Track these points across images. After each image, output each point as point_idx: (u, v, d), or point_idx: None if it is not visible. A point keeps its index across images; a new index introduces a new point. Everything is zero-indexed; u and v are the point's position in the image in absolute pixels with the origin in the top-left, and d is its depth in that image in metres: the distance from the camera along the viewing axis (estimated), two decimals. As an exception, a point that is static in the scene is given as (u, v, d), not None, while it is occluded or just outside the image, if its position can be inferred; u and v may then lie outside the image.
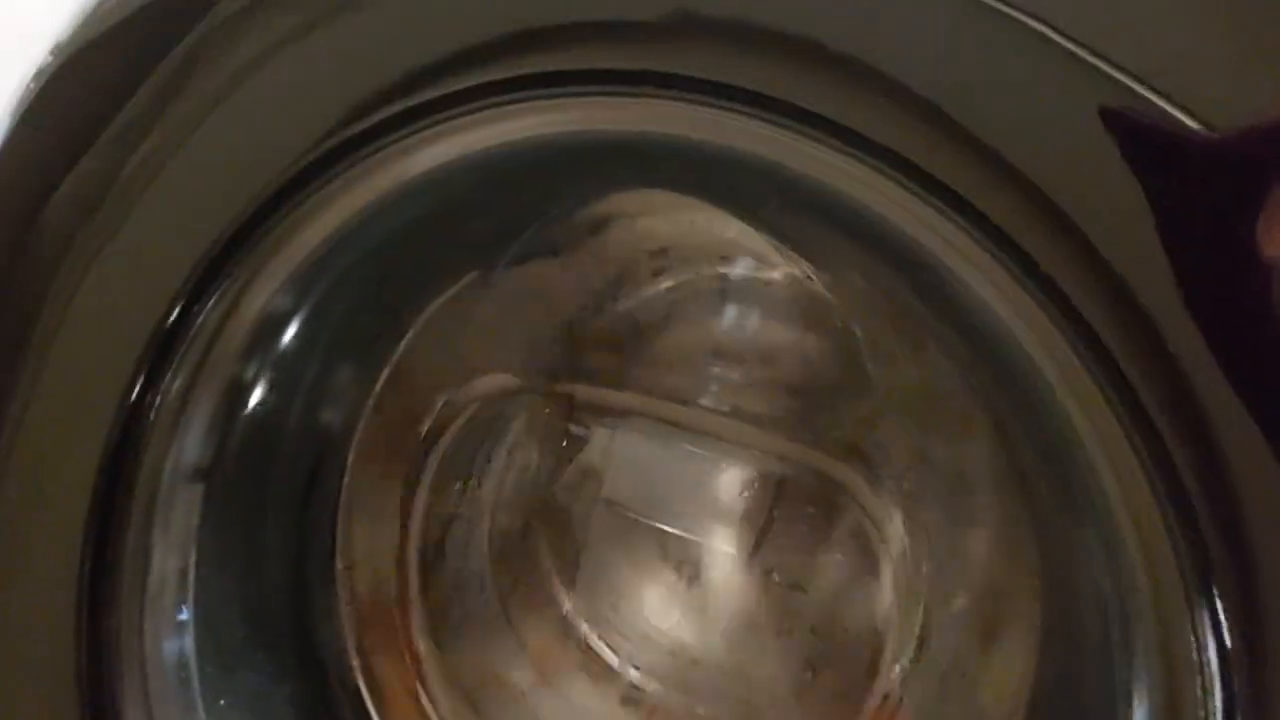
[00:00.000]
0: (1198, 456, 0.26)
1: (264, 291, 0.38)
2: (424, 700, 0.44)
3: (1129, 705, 0.28)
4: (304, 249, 0.37)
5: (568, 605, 0.45)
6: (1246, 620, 0.25)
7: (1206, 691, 0.25)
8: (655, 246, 0.44)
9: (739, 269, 0.44)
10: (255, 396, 0.41)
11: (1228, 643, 0.25)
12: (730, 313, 0.45)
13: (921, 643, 0.39)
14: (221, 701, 0.39)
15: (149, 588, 0.38)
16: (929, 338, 0.39)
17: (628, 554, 0.45)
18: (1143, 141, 0.27)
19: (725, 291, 0.44)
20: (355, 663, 0.44)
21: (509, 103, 0.33)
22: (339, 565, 0.44)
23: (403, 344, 0.45)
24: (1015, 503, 0.36)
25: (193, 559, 0.39)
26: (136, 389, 0.36)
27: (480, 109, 0.33)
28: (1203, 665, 0.25)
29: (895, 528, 0.40)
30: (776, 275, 0.43)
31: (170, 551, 0.38)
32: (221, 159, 0.35)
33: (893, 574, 0.40)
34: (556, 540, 0.46)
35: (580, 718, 0.43)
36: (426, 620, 0.45)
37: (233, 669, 0.40)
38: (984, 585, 0.38)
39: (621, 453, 0.46)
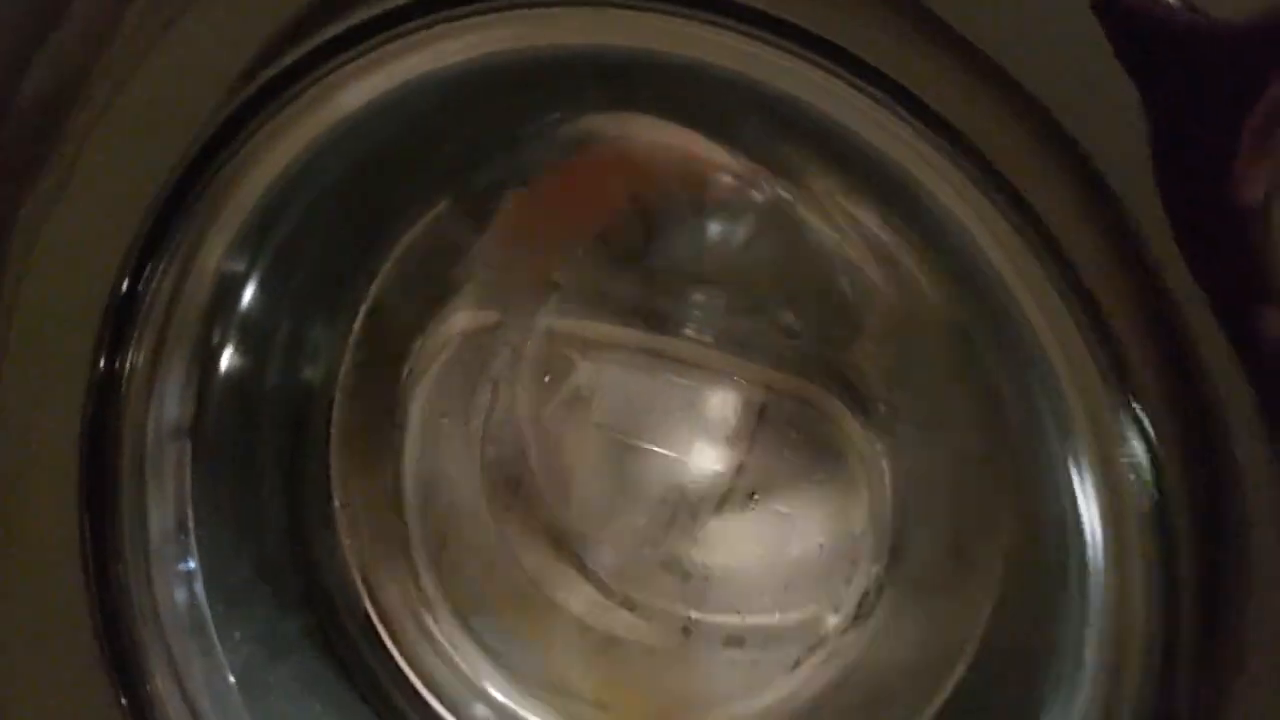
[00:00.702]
0: (1159, 363, 0.26)
1: (217, 247, 0.38)
2: (430, 624, 0.46)
3: (1084, 624, 0.29)
4: (251, 197, 0.37)
5: (562, 528, 0.47)
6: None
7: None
8: (632, 172, 0.43)
9: (719, 193, 0.42)
10: (228, 354, 0.41)
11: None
12: (710, 239, 0.44)
13: (895, 552, 0.40)
14: (237, 635, 0.41)
15: (151, 542, 0.39)
16: (906, 257, 0.39)
17: (617, 476, 0.46)
18: (1136, 30, 0.26)
19: (705, 217, 0.44)
20: (363, 593, 0.46)
21: (443, 21, 0.31)
22: (336, 505, 0.45)
23: (375, 285, 0.45)
24: (988, 424, 0.37)
25: (190, 512, 0.40)
26: (103, 359, 0.36)
27: (412, 31, 0.31)
28: (1150, 615, 0.26)
29: (875, 449, 0.41)
30: (757, 198, 0.42)
31: (166, 506, 0.40)
32: (153, 115, 0.34)
33: (870, 493, 0.41)
34: (547, 467, 0.47)
35: (578, 633, 0.45)
36: (427, 552, 0.47)
37: (244, 609, 0.42)
38: (956, 504, 0.39)
39: (607, 381, 0.46)
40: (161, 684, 0.38)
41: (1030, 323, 0.28)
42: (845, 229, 0.40)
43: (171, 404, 0.39)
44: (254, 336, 0.42)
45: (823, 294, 0.42)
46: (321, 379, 0.45)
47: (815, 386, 0.42)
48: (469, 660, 0.46)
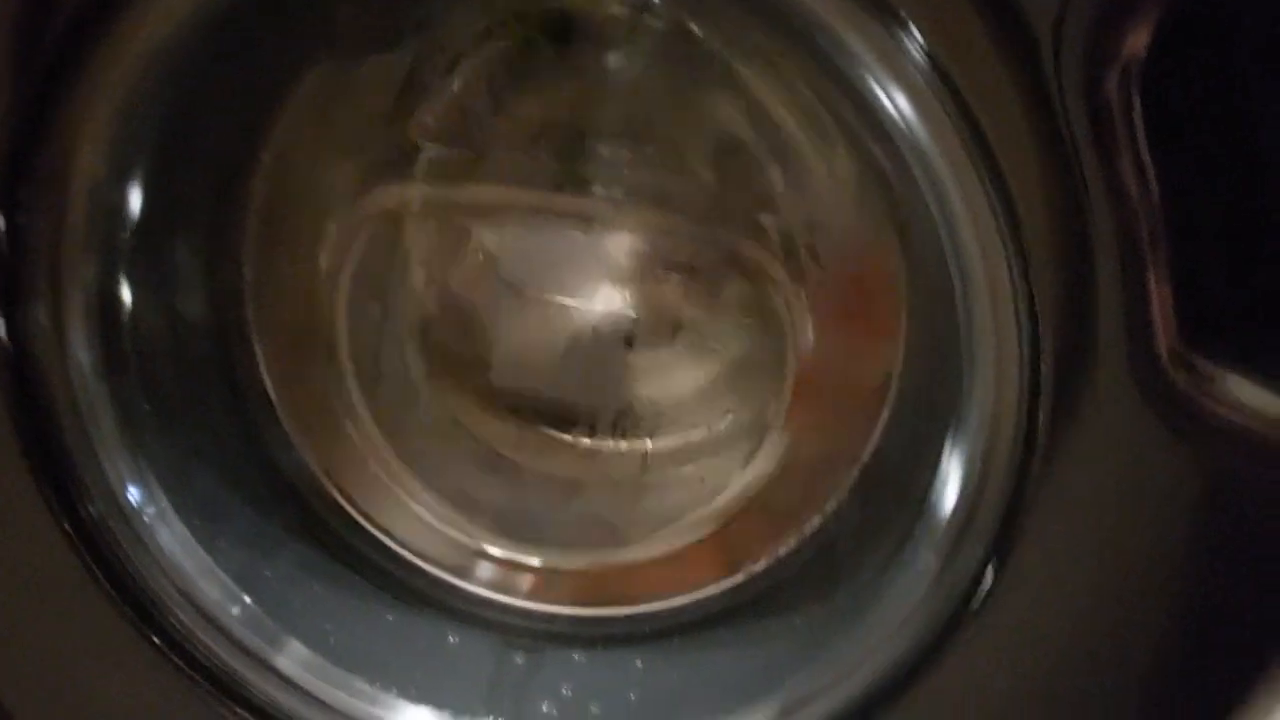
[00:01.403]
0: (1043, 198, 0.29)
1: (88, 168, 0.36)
2: (402, 496, 0.49)
3: (972, 392, 0.33)
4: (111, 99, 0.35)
5: (504, 389, 0.49)
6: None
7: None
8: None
9: (615, 27, 0.42)
10: (129, 283, 0.39)
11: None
12: (612, 84, 0.44)
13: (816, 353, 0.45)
14: (224, 546, 0.43)
15: (118, 497, 0.40)
16: (816, 101, 0.40)
17: (540, 331, 0.48)
18: None
19: (605, 63, 0.43)
20: (325, 482, 0.48)
21: None
22: (277, 407, 0.46)
23: (259, 178, 0.43)
24: (896, 255, 0.40)
25: (142, 453, 0.40)
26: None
27: None
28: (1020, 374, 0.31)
29: (795, 288, 0.44)
30: (658, 24, 0.41)
31: (119, 454, 0.39)
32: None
33: (793, 321, 0.44)
34: (472, 333, 0.48)
35: (544, 484, 0.49)
36: (381, 431, 0.49)
37: (223, 523, 0.43)
38: (866, 319, 0.43)
39: (510, 242, 0.47)
40: (182, 616, 0.40)
41: (929, 157, 0.30)
42: (753, 68, 0.40)
43: (86, 360, 0.38)
44: (150, 260, 0.41)
45: (733, 141, 0.43)
46: (235, 290, 0.44)
47: (733, 233, 0.44)
48: (453, 523, 0.49)
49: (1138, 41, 0.26)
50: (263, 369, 0.46)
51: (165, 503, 0.40)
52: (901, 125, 0.30)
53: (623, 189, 0.44)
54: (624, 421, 0.48)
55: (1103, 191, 0.27)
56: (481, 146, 0.44)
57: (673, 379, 0.48)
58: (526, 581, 0.48)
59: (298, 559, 0.45)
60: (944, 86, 0.28)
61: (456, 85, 0.44)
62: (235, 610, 0.41)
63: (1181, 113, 0.28)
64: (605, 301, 0.47)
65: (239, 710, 0.41)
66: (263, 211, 0.45)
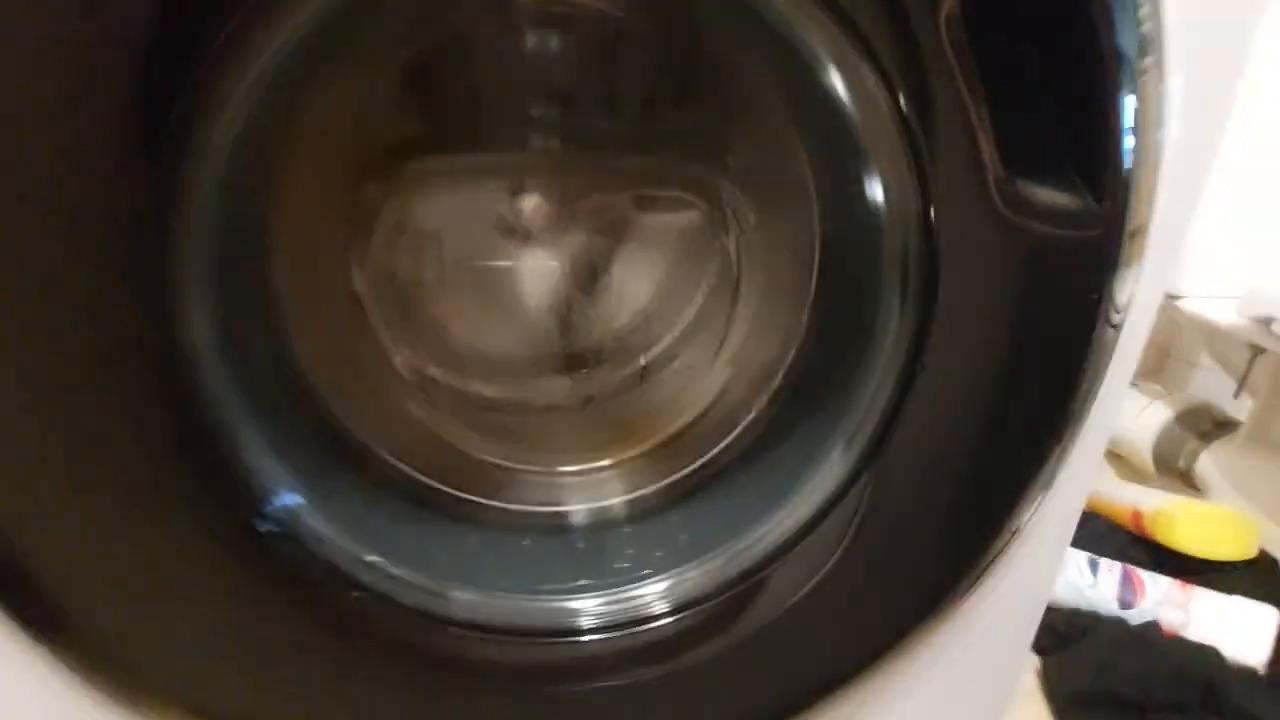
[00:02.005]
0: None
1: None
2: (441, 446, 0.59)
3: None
4: None
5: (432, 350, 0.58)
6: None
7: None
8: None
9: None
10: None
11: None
12: (534, 44, 0.51)
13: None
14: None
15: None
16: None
17: (497, 295, 0.57)
18: None
19: (522, 24, 0.50)
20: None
21: None
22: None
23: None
24: (801, 149, 0.52)
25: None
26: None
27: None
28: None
29: (736, 195, 0.55)
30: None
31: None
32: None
33: (736, 229, 0.56)
34: (437, 316, 0.57)
35: (549, 413, 0.60)
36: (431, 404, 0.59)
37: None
38: (789, 204, 0.55)
39: (444, 214, 0.54)
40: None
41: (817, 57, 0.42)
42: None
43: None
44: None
45: (656, 84, 0.52)
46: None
47: (674, 159, 0.54)
48: (487, 450, 0.59)
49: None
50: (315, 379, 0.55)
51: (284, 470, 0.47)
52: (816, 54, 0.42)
53: (560, 138, 0.52)
54: (609, 353, 0.60)
55: (946, 78, 0.41)
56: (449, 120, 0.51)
57: (637, 300, 0.59)
58: (583, 490, 0.59)
59: (395, 512, 0.55)
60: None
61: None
62: (365, 554, 0.48)
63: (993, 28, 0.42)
64: (556, 254, 0.56)
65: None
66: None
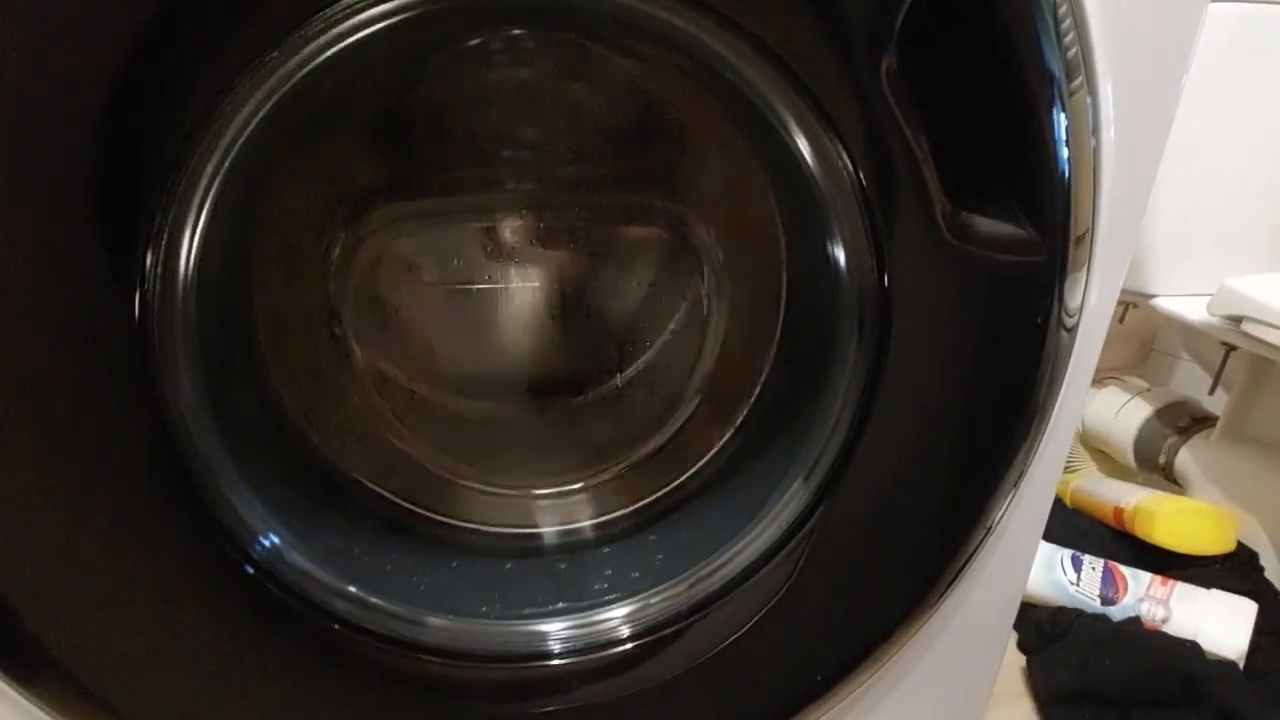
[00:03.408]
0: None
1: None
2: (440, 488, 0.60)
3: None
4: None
5: (411, 379, 0.59)
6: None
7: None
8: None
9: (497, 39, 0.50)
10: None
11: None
12: (501, 92, 0.53)
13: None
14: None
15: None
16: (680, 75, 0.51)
17: (477, 318, 0.58)
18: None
19: (491, 67, 0.52)
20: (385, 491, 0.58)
21: None
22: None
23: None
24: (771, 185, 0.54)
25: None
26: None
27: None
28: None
29: (696, 223, 0.57)
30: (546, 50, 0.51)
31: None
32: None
33: (707, 262, 0.58)
34: (388, 328, 0.58)
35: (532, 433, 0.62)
36: (403, 424, 0.60)
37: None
38: (757, 233, 0.57)
39: (424, 246, 0.56)
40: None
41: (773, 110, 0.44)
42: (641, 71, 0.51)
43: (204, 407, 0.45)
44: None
45: (617, 124, 0.54)
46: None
47: (644, 195, 0.56)
48: (464, 474, 0.60)
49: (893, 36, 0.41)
50: (295, 412, 0.56)
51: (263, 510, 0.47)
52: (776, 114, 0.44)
53: (534, 179, 0.55)
54: (582, 375, 0.61)
55: (892, 126, 0.43)
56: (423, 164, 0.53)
57: (610, 322, 0.61)
58: (557, 513, 0.61)
59: (375, 542, 0.56)
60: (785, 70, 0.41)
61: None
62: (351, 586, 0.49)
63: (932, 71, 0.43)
64: (531, 278, 0.57)
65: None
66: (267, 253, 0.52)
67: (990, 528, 0.52)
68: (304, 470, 0.55)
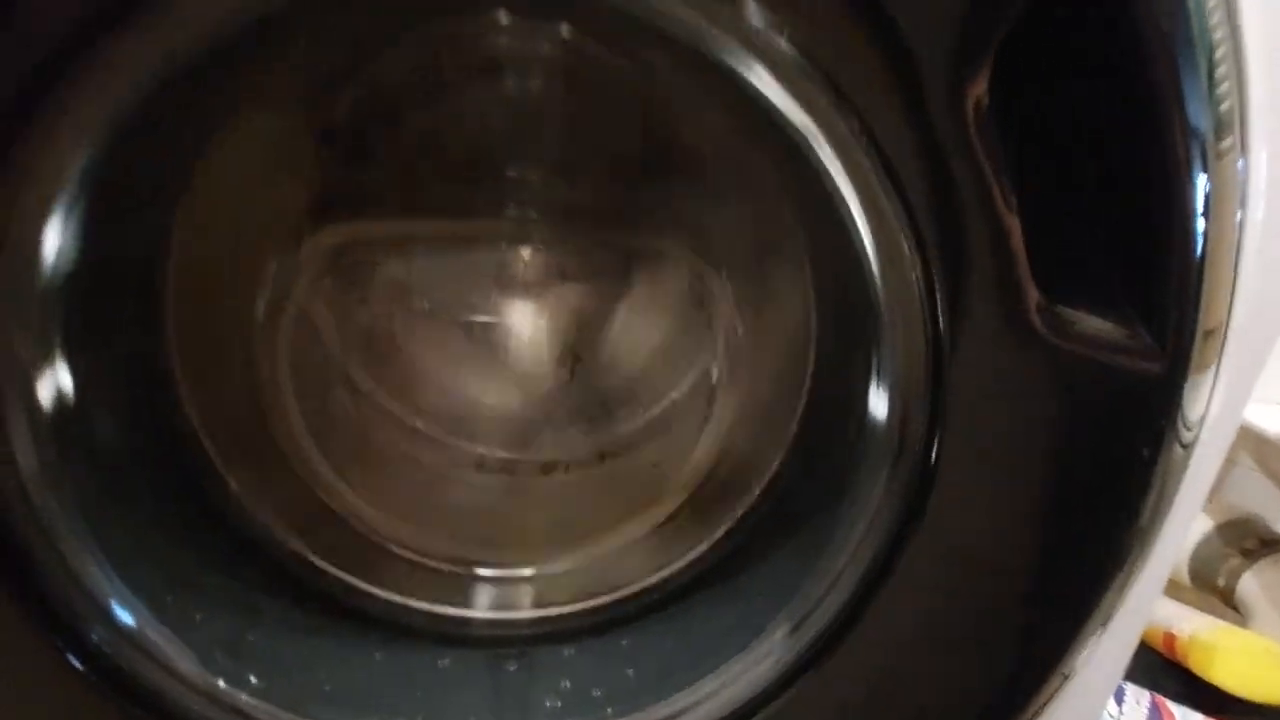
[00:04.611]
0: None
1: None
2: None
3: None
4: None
5: (407, 415, 0.51)
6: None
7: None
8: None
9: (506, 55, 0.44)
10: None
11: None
12: (532, 113, 0.46)
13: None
14: (198, 618, 0.41)
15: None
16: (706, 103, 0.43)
17: (462, 354, 0.50)
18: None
19: (497, 88, 0.46)
20: (302, 549, 0.48)
21: None
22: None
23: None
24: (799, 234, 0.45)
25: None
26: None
27: None
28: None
29: (718, 272, 0.48)
30: (544, 48, 0.44)
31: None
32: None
33: (724, 329, 0.49)
34: (400, 363, 0.50)
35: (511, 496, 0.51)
36: (340, 476, 0.49)
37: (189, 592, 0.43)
38: (781, 283, 0.48)
39: (420, 271, 0.49)
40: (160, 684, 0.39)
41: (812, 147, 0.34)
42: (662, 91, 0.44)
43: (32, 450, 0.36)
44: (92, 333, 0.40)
45: (631, 150, 0.46)
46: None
47: (651, 232, 0.48)
48: (438, 556, 0.50)
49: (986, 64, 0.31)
50: (206, 441, 0.46)
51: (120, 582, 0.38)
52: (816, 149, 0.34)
53: (538, 207, 0.47)
54: (570, 429, 0.51)
55: (972, 188, 0.32)
56: (401, 180, 0.46)
57: (614, 370, 0.51)
58: (510, 594, 0.50)
59: (279, 620, 0.45)
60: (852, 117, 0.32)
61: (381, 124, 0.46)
62: (220, 681, 0.40)
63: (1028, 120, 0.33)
64: (528, 315, 0.50)
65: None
66: (185, 275, 0.44)
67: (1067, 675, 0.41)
68: (207, 528, 0.45)
